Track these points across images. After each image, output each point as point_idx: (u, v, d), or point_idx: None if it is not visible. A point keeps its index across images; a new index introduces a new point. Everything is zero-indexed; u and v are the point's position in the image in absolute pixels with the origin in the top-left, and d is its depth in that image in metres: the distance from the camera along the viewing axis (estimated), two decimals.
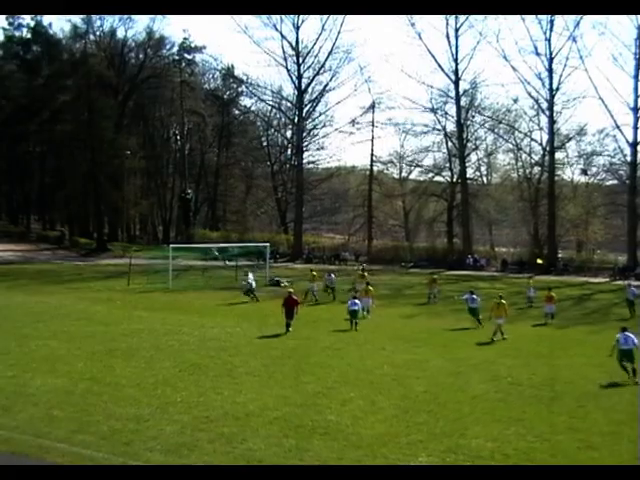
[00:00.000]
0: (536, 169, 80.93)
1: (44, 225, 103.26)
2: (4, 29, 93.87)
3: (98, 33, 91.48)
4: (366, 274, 46.85)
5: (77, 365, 22.62)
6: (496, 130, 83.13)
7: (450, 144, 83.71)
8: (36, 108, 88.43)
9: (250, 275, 42.58)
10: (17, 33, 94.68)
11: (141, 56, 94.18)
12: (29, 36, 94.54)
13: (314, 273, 43.98)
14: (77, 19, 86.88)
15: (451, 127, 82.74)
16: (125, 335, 28.63)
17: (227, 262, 62.55)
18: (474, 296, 34.52)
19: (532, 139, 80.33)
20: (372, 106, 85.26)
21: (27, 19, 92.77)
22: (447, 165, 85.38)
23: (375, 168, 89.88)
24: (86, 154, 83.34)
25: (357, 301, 32.87)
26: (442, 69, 77.75)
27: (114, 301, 39.90)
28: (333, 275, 45.43)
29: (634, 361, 22.48)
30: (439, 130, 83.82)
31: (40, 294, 41.43)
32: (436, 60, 77.70)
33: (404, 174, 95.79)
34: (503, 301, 31.40)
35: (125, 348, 25.81)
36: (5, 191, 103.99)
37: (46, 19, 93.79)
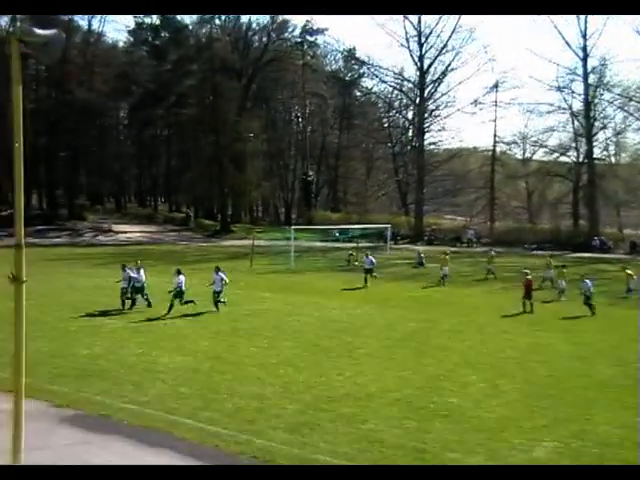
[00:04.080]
0: None
1: (170, 207, 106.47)
2: (134, 16, 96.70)
3: (223, 17, 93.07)
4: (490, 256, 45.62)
5: (202, 344, 23.26)
6: (626, 108, 79.98)
7: (576, 123, 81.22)
8: (163, 93, 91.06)
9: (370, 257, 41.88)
10: (147, 20, 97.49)
11: (264, 39, 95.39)
12: (158, 22, 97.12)
13: (446, 257, 43.09)
14: None
15: (578, 106, 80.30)
16: (248, 315, 29.22)
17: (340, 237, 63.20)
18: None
19: None
20: (495, 85, 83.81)
21: None
22: (573, 145, 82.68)
23: (498, 149, 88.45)
24: (210, 137, 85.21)
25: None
26: (570, 46, 75.60)
27: (237, 282, 40.74)
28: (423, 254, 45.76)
29: None
30: (565, 109, 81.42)
31: (167, 274, 42.64)
32: (563, 37, 75.65)
33: (528, 154, 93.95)
34: None
35: (248, 328, 26.32)
36: (134, 174, 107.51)
37: None
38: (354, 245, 55.79)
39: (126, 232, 78.83)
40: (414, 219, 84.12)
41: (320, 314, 29.90)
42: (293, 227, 57.18)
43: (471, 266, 48.42)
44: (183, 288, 29.51)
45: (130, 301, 30.26)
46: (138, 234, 78.14)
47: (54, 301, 30.53)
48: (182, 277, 29.72)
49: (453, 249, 61.94)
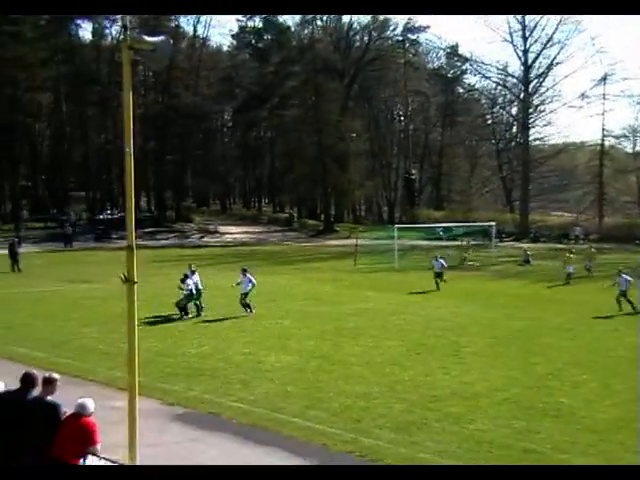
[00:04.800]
0: None
1: (274, 208, 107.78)
2: (238, 20, 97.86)
3: (325, 18, 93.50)
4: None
5: (307, 343, 23.42)
6: None
7: None
8: (266, 95, 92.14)
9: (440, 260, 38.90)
10: (250, 23, 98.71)
11: (366, 39, 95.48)
12: (260, 25, 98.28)
13: (571, 255, 42.04)
14: None
15: None
16: (352, 314, 29.25)
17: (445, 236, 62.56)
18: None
19: None
20: (604, 78, 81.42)
21: None
22: None
23: (606, 143, 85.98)
24: (313, 138, 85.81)
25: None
26: None
27: (341, 281, 40.88)
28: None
29: None
30: None
31: (271, 274, 43.10)
32: None
33: (638, 148, 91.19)
34: None
35: (352, 327, 26.35)
36: (239, 176, 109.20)
37: None
38: (463, 243, 55.08)
39: (232, 233, 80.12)
40: (519, 216, 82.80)
41: (424, 313, 29.73)
42: (396, 226, 57.04)
43: (578, 263, 47.21)
44: (194, 289, 28.48)
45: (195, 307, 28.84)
46: (243, 235, 79.32)
47: (162, 301, 31.20)
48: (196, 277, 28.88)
49: (559, 246, 60.65)
